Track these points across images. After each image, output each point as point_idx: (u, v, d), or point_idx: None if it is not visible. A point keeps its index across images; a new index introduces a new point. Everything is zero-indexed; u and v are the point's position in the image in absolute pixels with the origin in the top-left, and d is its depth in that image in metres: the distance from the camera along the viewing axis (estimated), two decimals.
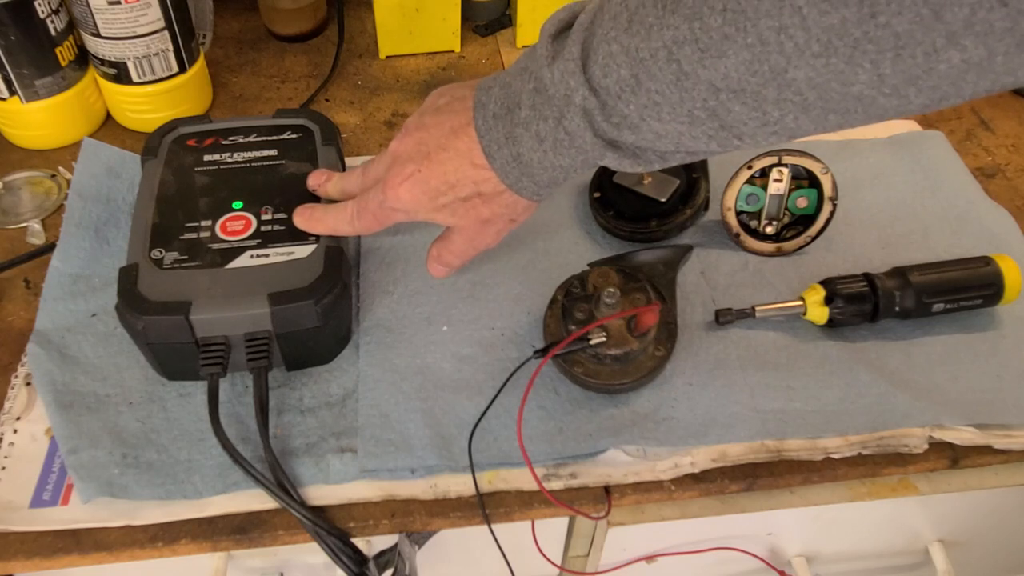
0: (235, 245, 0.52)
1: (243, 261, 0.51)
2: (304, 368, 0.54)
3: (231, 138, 0.59)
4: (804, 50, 0.32)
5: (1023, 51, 0.29)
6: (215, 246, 0.52)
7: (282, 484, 0.47)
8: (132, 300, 0.49)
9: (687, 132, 0.39)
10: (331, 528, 0.47)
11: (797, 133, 0.37)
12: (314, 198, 0.55)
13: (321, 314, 0.50)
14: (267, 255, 0.51)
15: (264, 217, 0.53)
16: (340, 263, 0.52)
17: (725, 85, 0.35)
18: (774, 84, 0.34)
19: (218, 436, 0.47)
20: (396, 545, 0.52)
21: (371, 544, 0.55)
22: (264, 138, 0.59)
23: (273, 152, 0.58)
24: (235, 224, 0.53)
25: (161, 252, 0.51)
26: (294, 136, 0.59)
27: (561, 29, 0.42)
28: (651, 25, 0.36)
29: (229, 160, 0.57)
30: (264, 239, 0.52)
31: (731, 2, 0.33)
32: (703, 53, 0.35)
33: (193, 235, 0.52)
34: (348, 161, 0.65)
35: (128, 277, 0.50)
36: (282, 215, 0.53)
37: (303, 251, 0.52)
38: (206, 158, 0.57)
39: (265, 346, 0.50)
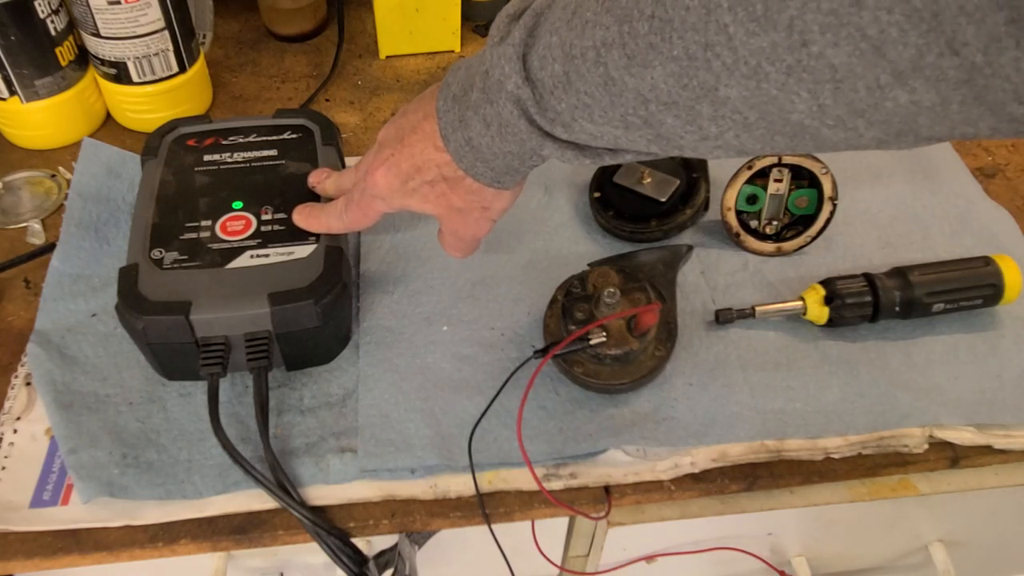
0: (235, 245, 0.52)
1: (243, 261, 0.51)
2: (304, 368, 0.54)
3: (231, 138, 0.59)
4: (733, 70, 0.29)
5: (982, 104, 0.25)
6: (215, 246, 0.52)
7: (282, 484, 0.47)
8: (132, 300, 0.49)
9: (624, 136, 0.36)
10: (331, 528, 0.47)
11: (745, 151, 0.34)
12: (314, 197, 0.55)
13: (321, 314, 0.50)
14: (267, 255, 0.51)
15: (264, 217, 0.53)
16: (340, 263, 0.52)
17: (654, 96, 0.33)
18: (707, 101, 0.31)
19: (218, 436, 0.47)
20: (396, 545, 0.52)
21: (371, 544, 0.55)
22: (264, 138, 0.59)
23: (273, 152, 0.58)
24: (235, 224, 0.53)
25: (161, 252, 0.51)
26: (294, 136, 0.59)
27: (522, 10, 0.39)
28: (587, 21, 0.34)
29: (229, 160, 0.57)
30: (264, 239, 0.52)
31: (659, 9, 0.31)
32: (629, 60, 0.32)
33: (193, 235, 0.52)
34: (348, 161, 0.65)
35: (128, 277, 0.50)
36: (282, 215, 0.53)
37: (303, 251, 0.52)
38: (206, 158, 0.57)
39: (265, 346, 0.50)
